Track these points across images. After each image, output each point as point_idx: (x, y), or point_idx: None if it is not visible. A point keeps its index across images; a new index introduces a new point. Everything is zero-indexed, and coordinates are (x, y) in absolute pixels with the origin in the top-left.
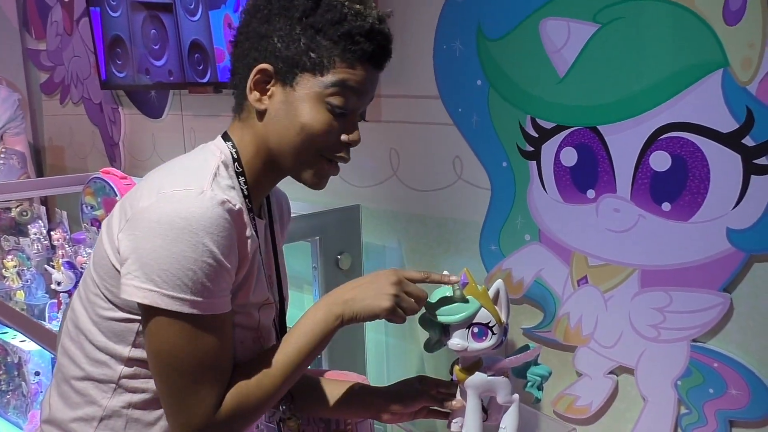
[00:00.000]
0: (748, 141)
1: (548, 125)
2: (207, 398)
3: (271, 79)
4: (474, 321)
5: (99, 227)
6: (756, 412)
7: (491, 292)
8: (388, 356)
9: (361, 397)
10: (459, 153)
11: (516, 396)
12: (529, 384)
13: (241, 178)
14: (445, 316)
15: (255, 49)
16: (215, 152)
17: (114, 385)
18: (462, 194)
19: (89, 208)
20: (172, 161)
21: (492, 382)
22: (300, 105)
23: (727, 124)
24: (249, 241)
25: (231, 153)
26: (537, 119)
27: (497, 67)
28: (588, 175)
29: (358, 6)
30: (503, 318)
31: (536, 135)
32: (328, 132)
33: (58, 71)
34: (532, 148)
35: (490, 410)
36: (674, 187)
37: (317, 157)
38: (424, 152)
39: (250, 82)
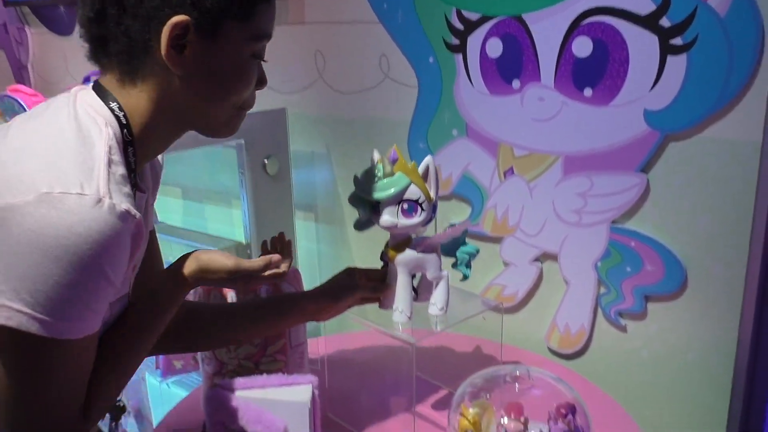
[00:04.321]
0: (664, 22)
1: (474, 16)
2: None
3: (187, 34)
4: (404, 197)
5: None
6: (669, 286)
7: (420, 169)
8: (320, 264)
9: (294, 306)
10: (385, 51)
11: (446, 272)
12: (458, 262)
13: (130, 149)
14: (374, 192)
15: None
16: (98, 122)
17: None
18: (389, 93)
19: None
20: (39, 124)
21: (422, 259)
22: (224, 59)
23: (645, 5)
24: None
25: (118, 117)
26: (462, 11)
27: None
28: (513, 65)
29: None
30: (432, 194)
31: (462, 27)
32: (251, 84)
33: None
34: (458, 41)
35: (420, 290)
36: (595, 72)
37: (236, 111)
38: (350, 53)
39: (165, 42)
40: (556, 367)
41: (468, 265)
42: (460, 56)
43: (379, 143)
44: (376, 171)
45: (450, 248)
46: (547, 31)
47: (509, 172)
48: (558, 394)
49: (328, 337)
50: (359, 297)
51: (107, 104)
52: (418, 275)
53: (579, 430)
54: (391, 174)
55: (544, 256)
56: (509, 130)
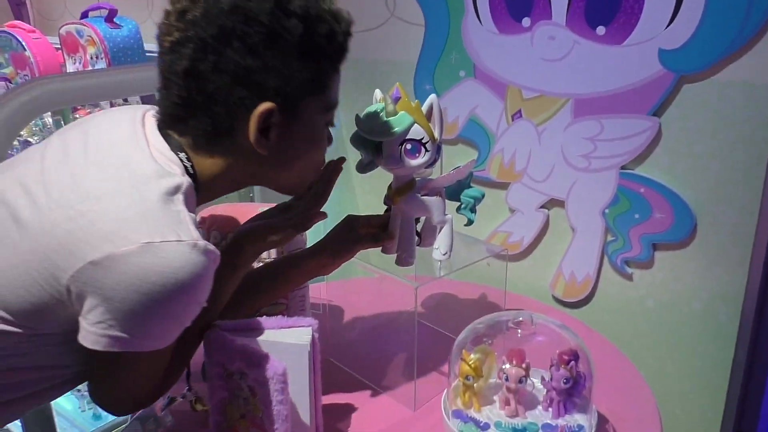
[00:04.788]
0: None
1: None
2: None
3: (272, 117)
4: (407, 137)
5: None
6: (677, 234)
7: (424, 108)
8: (324, 208)
9: (296, 268)
10: None
11: (449, 216)
12: (462, 206)
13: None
14: (377, 133)
15: (241, 86)
16: (176, 171)
17: None
18: (395, 32)
19: None
20: (119, 170)
21: (426, 202)
22: (303, 132)
23: None
24: None
25: (186, 168)
26: None
27: None
28: (523, 1)
29: (329, 5)
30: (436, 134)
31: None
32: (325, 148)
33: None
34: None
35: (423, 235)
36: (609, 8)
37: (311, 172)
38: None
39: (254, 129)
40: (560, 315)
41: (473, 210)
42: None
43: (384, 85)
44: (379, 110)
45: (454, 191)
46: None
47: (517, 115)
48: (561, 340)
49: (330, 282)
50: (361, 249)
51: (176, 153)
52: (422, 220)
53: (581, 376)
54: (394, 113)
55: (551, 203)
56: (518, 71)
